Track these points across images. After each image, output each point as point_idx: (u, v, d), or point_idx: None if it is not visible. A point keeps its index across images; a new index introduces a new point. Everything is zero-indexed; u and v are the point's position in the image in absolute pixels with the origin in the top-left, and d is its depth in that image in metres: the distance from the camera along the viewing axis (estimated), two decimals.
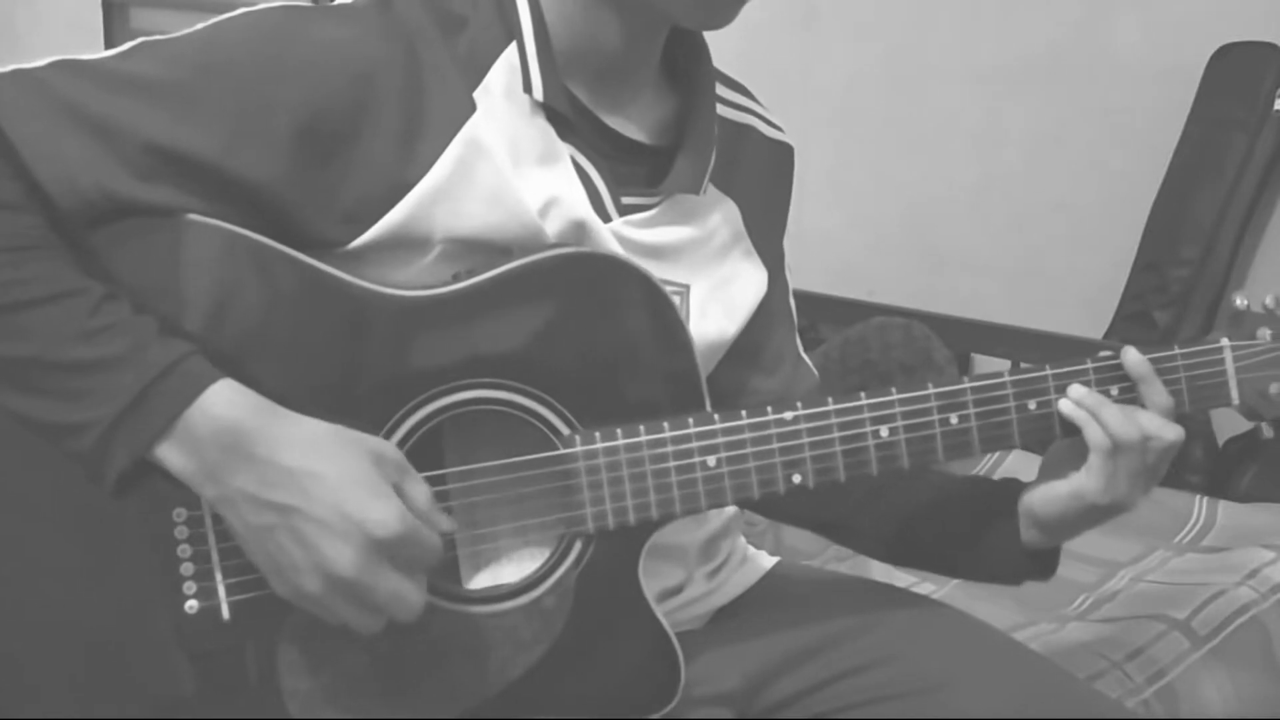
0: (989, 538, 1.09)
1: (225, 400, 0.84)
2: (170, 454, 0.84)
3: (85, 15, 3.29)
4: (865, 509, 1.15)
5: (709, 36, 1.08)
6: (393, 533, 0.83)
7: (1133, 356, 1.02)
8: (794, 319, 1.21)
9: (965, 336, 2.42)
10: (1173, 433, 1.00)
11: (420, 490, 0.87)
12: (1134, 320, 2.40)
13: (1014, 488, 1.08)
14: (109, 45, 0.89)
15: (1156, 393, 1.01)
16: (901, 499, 1.14)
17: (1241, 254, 2.35)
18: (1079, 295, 2.53)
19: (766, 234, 1.14)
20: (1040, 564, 1.09)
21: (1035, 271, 2.60)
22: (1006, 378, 1.01)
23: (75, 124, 0.87)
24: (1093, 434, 0.99)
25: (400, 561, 0.85)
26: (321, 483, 0.83)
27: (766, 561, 1.22)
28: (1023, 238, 2.62)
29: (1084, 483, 1.01)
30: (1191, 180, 2.36)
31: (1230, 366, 1.04)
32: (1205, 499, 1.90)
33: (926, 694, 1.04)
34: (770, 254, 1.14)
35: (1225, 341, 1.05)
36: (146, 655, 0.91)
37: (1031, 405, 1.01)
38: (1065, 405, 1.01)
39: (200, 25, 0.93)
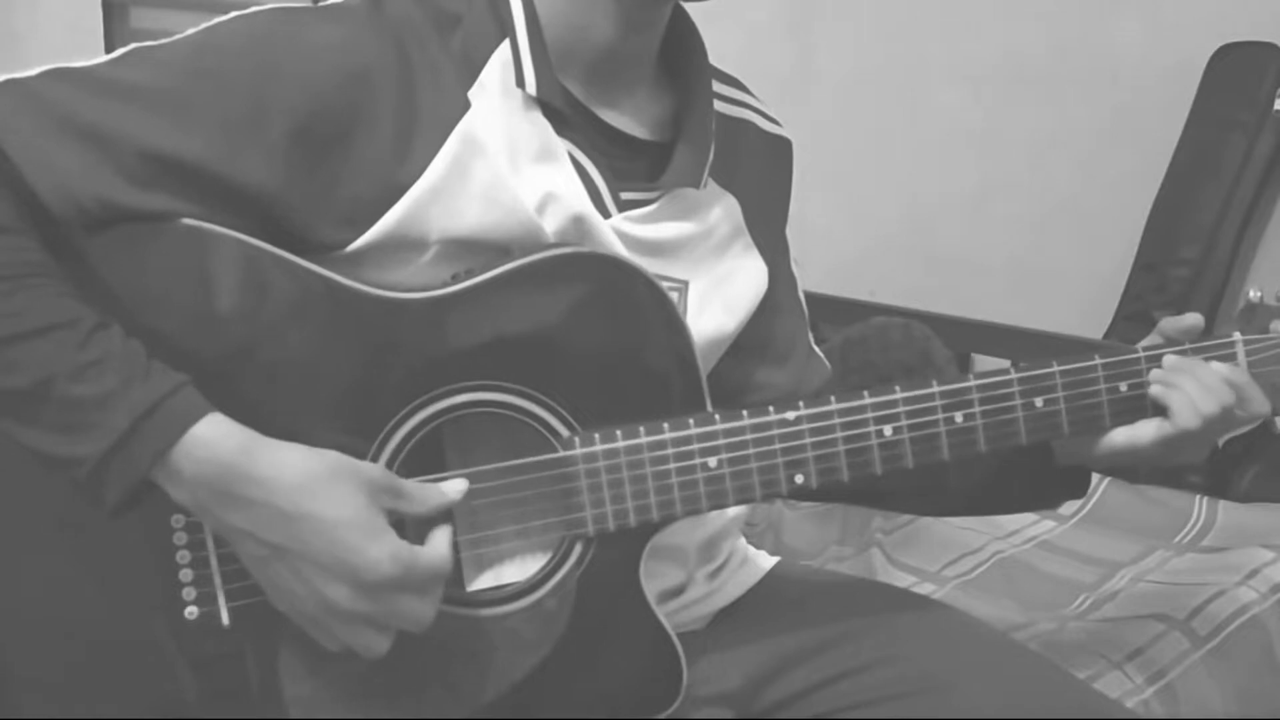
0: (1022, 468, 1.10)
1: (208, 441, 0.83)
2: (165, 484, 0.84)
3: (85, 16, 3.28)
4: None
5: (709, 38, 1.08)
6: (384, 576, 0.83)
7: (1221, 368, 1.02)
8: (804, 312, 1.20)
9: (965, 336, 2.41)
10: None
11: (417, 499, 0.88)
12: (1134, 320, 2.39)
13: None
14: (109, 47, 0.89)
15: (1254, 398, 1.02)
16: None
17: (1241, 254, 2.35)
18: (1079, 295, 2.52)
19: (767, 228, 1.14)
20: (1074, 482, 1.11)
21: (1035, 271, 2.60)
22: (1012, 374, 1.00)
23: (70, 133, 0.87)
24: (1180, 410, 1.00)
25: (405, 589, 0.85)
26: (316, 527, 0.83)
27: (766, 562, 1.22)
28: (1023, 238, 2.61)
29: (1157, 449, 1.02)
30: (1191, 180, 2.36)
31: (1243, 361, 1.04)
32: (1205, 499, 1.90)
33: (926, 694, 1.04)
34: (771, 248, 1.14)
35: (1238, 336, 1.04)
36: (148, 661, 0.91)
37: (1038, 402, 1.00)
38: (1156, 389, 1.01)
39: (192, 30, 0.92)
